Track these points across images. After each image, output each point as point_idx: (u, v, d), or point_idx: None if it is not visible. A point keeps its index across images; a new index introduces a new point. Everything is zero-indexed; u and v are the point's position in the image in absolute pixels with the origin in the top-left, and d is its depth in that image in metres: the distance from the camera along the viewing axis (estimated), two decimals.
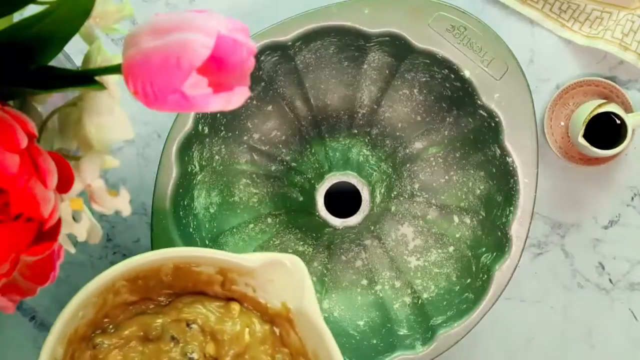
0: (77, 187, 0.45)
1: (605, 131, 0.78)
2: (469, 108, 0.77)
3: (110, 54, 0.47)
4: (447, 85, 0.78)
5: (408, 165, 0.83)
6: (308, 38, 0.75)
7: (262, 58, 0.76)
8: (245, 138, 0.82)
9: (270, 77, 0.80)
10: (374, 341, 0.80)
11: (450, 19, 0.74)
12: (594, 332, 0.85)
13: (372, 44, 0.76)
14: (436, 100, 0.81)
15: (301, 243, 0.83)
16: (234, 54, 0.40)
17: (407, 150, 0.82)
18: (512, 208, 0.75)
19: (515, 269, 0.75)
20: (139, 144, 0.85)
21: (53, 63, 0.45)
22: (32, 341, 0.87)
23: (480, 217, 0.80)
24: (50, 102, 0.49)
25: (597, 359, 0.86)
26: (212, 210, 0.82)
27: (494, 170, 0.78)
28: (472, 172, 0.81)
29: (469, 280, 0.80)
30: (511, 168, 0.75)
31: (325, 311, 0.82)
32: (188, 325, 0.66)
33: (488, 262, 0.77)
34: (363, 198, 0.77)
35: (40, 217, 0.42)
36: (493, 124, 0.75)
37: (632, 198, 0.84)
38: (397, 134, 0.83)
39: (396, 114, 0.82)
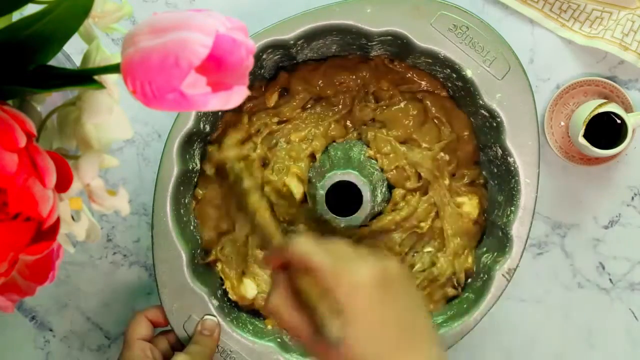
0: (76, 186, 0.45)
1: (605, 131, 0.78)
2: (471, 108, 0.77)
3: (109, 53, 0.47)
4: (449, 84, 0.78)
5: None
6: (310, 36, 0.75)
7: (264, 56, 0.76)
8: None
9: (272, 75, 0.80)
10: None
11: (453, 19, 0.74)
12: (594, 332, 0.85)
13: (374, 43, 0.76)
14: None
15: None
16: (232, 53, 0.40)
17: None
18: (513, 208, 0.75)
19: (515, 269, 0.75)
20: (139, 144, 0.85)
21: (52, 62, 0.45)
22: (32, 341, 0.87)
23: (481, 217, 0.80)
24: (49, 101, 0.49)
25: (597, 359, 0.86)
26: None
27: (495, 170, 0.78)
28: None
29: (469, 280, 0.80)
30: (512, 168, 0.74)
31: None
32: None
33: (488, 262, 0.77)
34: (364, 197, 0.77)
35: (38, 216, 0.42)
36: (495, 124, 0.75)
37: (632, 198, 0.84)
38: None
39: None
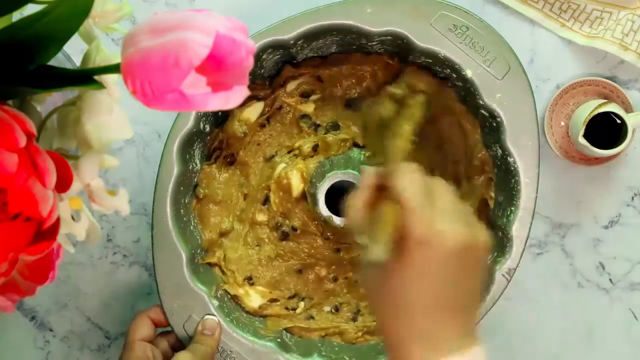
0: (76, 186, 0.45)
1: (605, 131, 0.78)
2: (471, 108, 0.77)
3: (110, 53, 0.47)
4: (449, 84, 0.78)
5: None
6: (310, 36, 0.75)
7: (264, 56, 0.76)
8: None
9: (272, 75, 0.80)
10: (374, 341, 0.80)
11: (453, 19, 0.74)
12: (594, 332, 0.85)
13: (374, 43, 0.76)
14: None
15: None
16: (232, 53, 0.40)
17: None
18: (513, 208, 0.75)
19: (515, 269, 0.75)
20: (139, 144, 0.85)
21: (52, 62, 0.45)
22: (32, 341, 0.87)
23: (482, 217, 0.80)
24: (49, 101, 0.49)
25: (597, 359, 0.86)
26: None
27: (495, 170, 0.78)
28: None
29: None
30: (512, 168, 0.74)
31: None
32: None
33: (488, 262, 0.76)
34: None
35: (38, 217, 0.42)
36: (495, 124, 0.75)
37: (632, 198, 0.84)
38: None
39: None
